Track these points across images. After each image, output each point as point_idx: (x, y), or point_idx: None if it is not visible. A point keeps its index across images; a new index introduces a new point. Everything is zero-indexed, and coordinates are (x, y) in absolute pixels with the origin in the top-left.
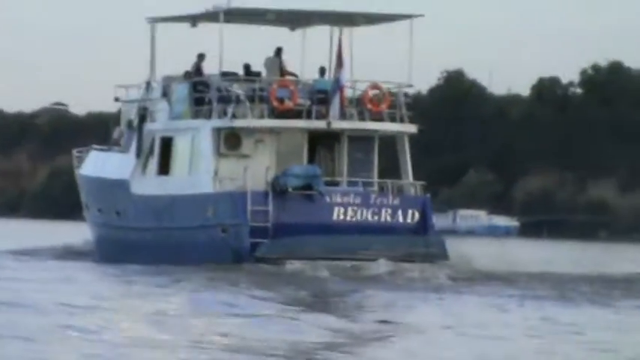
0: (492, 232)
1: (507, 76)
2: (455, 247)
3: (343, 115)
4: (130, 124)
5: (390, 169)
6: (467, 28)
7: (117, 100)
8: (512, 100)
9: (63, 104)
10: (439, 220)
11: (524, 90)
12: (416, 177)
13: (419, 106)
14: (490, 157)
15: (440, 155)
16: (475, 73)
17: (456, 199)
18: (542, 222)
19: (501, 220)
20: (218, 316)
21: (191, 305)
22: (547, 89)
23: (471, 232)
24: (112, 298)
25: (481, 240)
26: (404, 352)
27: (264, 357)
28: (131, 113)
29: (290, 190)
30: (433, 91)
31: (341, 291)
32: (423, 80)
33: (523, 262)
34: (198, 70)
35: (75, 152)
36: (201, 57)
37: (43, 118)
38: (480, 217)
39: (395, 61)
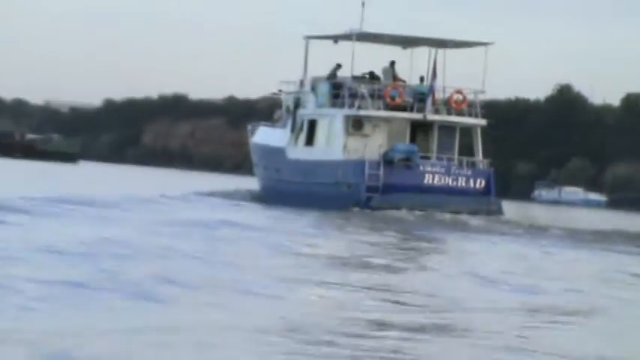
0: (587, 204)
1: (603, 88)
2: (516, 208)
3: (435, 111)
4: (288, 109)
5: (466, 150)
6: (579, 48)
7: (280, 91)
8: (606, 109)
9: (277, 93)
10: (548, 194)
11: (615, 101)
12: (531, 160)
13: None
14: (588, 149)
15: (552, 146)
16: (580, 85)
17: (561, 179)
18: (625, 198)
19: (594, 196)
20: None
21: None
22: (633, 102)
23: (571, 204)
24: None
25: (577, 209)
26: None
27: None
28: (289, 101)
29: (395, 160)
30: (548, 100)
31: (426, 235)
32: (541, 90)
33: (569, 221)
34: (334, 74)
35: (249, 127)
36: (338, 66)
37: (264, 103)
38: (578, 192)
39: (475, 74)
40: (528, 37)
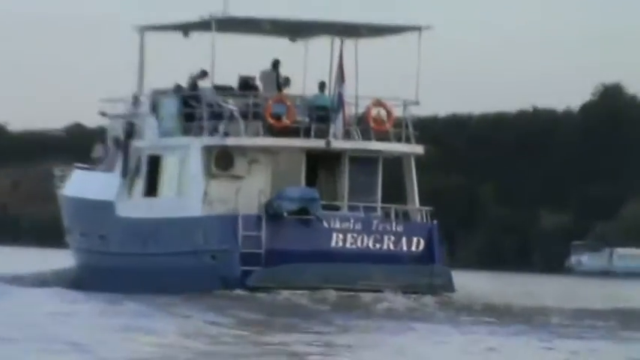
0: None
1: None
2: (460, 281)
3: (345, 134)
4: (116, 141)
5: (395, 193)
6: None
7: (103, 114)
8: None
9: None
10: (592, 260)
11: None
12: (565, 208)
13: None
14: None
15: (592, 183)
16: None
17: (612, 234)
18: None
19: None
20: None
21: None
22: None
23: (630, 274)
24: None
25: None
26: None
27: None
28: (117, 129)
29: (285, 214)
30: (586, 107)
31: (333, 324)
32: (575, 96)
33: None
34: (194, 86)
35: (56, 171)
36: (204, 74)
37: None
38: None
39: (403, 75)
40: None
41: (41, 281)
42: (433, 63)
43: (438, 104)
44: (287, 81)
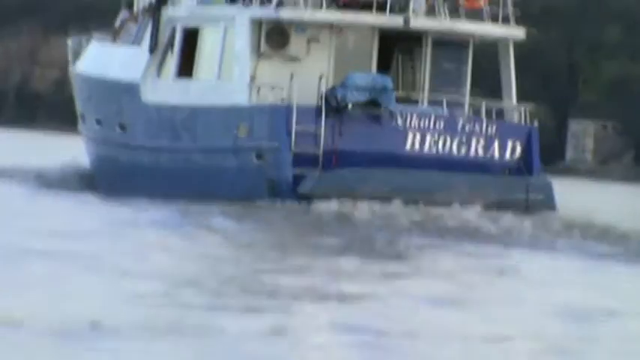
0: None
1: None
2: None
3: (430, 11)
4: (143, 8)
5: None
6: None
7: None
8: None
9: None
10: None
11: None
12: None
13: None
14: None
15: None
16: None
17: None
18: None
19: None
20: None
21: None
22: None
23: None
24: None
25: None
26: None
27: None
28: None
29: (350, 106)
30: None
31: (398, 249)
32: None
33: None
34: None
35: (69, 42)
36: None
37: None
38: None
39: None
40: None
41: (46, 180)
42: None
43: None
44: None
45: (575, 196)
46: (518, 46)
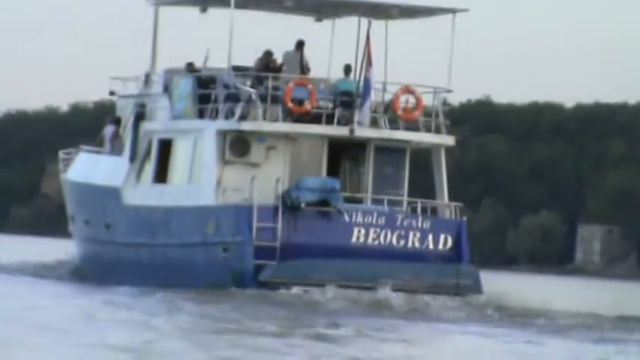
0: None
1: None
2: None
3: (372, 122)
4: (124, 122)
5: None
6: None
7: (112, 94)
8: None
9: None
10: None
11: None
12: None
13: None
14: None
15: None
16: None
17: None
18: None
19: None
20: None
21: None
22: None
23: None
24: None
25: None
26: None
27: None
28: (127, 110)
29: (303, 205)
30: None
31: (344, 322)
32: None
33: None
34: (267, 66)
35: (61, 154)
36: (268, 54)
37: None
38: None
39: (435, 61)
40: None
41: (41, 272)
42: (467, 48)
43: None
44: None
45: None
46: (532, 161)
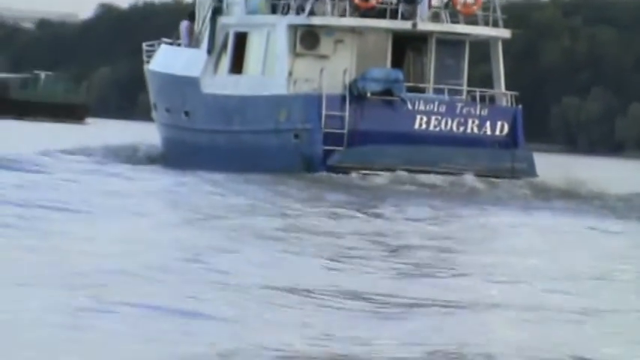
0: None
1: None
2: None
3: (433, 17)
4: (202, 17)
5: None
6: None
7: None
8: None
9: None
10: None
11: None
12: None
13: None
14: None
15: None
16: None
17: None
18: None
19: None
20: None
21: None
22: None
23: None
24: None
25: None
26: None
27: None
28: (204, 4)
29: (369, 94)
30: None
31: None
32: None
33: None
34: None
35: (145, 46)
36: None
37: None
38: None
39: None
40: None
41: (128, 156)
42: None
43: None
44: None
45: None
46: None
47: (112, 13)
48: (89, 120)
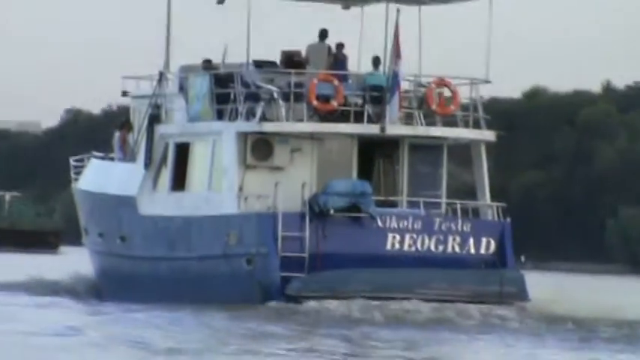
0: None
1: None
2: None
3: (405, 118)
4: (138, 125)
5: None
6: None
7: (124, 94)
8: None
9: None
10: None
11: None
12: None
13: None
14: None
15: None
16: None
17: None
18: None
19: None
20: None
21: None
22: None
23: None
24: None
25: None
26: None
27: None
28: (140, 111)
29: (332, 211)
30: None
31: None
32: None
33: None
34: (337, 61)
35: (72, 161)
36: (340, 47)
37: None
38: None
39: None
40: None
41: (55, 290)
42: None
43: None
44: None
45: None
46: None
47: (81, 119)
48: (63, 249)
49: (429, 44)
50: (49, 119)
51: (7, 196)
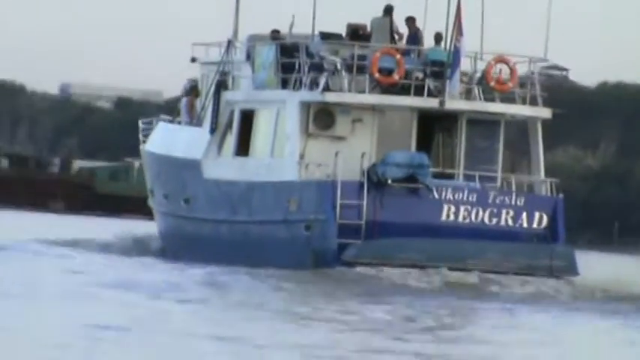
0: None
1: None
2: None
3: (464, 94)
4: (205, 92)
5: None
6: None
7: (194, 60)
8: None
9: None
10: None
11: None
12: None
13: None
14: None
15: None
16: None
17: None
18: None
19: None
20: None
21: None
22: None
23: None
24: None
25: None
26: None
27: None
28: (208, 78)
29: (390, 181)
30: None
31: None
32: None
33: None
34: (411, 34)
35: (141, 123)
36: (411, 20)
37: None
38: None
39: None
40: None
41: (121, 249)
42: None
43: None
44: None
45: None
46: None
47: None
48: None
49: (490, 23)
50: (172, 89)
51: (136, 163)
